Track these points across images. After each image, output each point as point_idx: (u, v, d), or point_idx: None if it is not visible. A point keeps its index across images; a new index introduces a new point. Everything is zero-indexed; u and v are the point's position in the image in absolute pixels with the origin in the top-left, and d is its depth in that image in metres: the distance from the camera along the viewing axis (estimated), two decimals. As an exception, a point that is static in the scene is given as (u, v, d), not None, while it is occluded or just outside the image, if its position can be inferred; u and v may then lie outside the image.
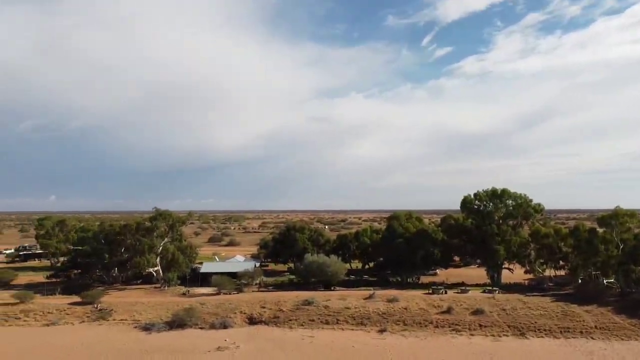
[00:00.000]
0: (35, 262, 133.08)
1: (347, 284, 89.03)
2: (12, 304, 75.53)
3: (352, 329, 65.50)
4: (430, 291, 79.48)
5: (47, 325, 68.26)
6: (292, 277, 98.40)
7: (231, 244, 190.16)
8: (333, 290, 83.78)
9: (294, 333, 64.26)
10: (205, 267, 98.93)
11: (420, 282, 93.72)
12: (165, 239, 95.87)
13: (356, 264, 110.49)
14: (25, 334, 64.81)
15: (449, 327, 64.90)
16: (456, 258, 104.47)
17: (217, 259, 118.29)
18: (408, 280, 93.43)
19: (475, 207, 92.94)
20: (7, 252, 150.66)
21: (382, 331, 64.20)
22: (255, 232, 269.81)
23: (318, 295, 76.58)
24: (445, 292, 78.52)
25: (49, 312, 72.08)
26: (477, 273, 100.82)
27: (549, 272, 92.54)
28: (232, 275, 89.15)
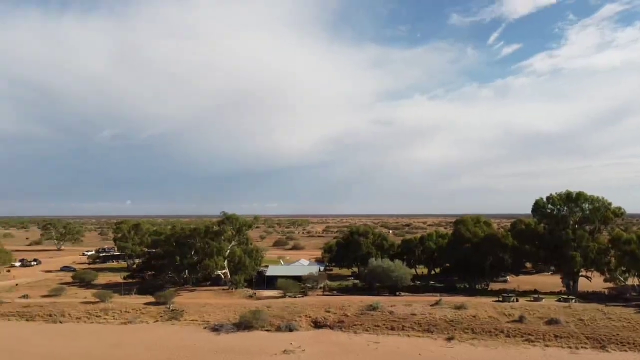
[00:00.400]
0: (113, 264, 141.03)
1: (413, 290, 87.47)
2: (94, 303, 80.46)
3: (418, 336, 64.11)
4: (500, 299, 76.44)
5: (125, 323, 72.02)
6: (356, 281, 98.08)
7: (295, 247, 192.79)
8: (398, 295, 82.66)
9: (359, 338, 63.88)
10: (271, 271, 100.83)
11: (489, 289, 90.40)
12: (233, 243, 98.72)
13: (421, 270, 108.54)
14: (106, 330, 68.69)
15: (521, 337, 61.97)
16: (528, 264, 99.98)
17: (282, 263, 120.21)
18: (476, 287, 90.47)
19: (548, 211, 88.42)
20: (89, 253, 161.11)
21: (449, 339, 62.35)
22: (319, 236, 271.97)
23: (383, 301, 75.80)
24: (517, 300, 75.27)
25: (126, 311, 76.08)
26: (550, 280, 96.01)
27: (632, 281, 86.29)
28: (297, 278, 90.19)
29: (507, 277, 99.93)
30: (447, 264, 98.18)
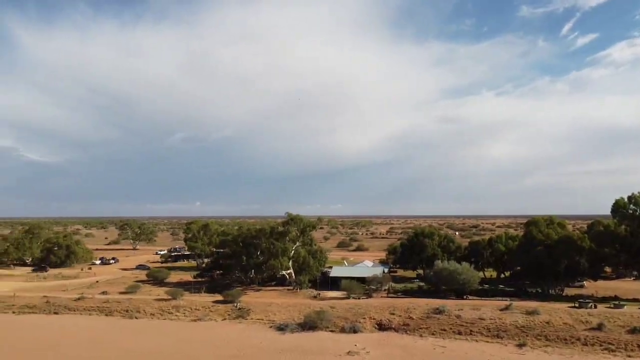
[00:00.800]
0: (184, 263, 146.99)
1: (481, 294, 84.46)
2: (166, 300, 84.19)
3: (487, 341, 61.77)
4: (577, 305, 72.21)
5: (195, 320, 74.75)
6: (421, 284, 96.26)
7: (359, 249, 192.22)
8: (465, 299, 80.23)
9: (424, 342, 62.58)
10: (335, 272, 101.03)
11: (563, 294, 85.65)
12: (297, 243, 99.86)
13: (490, 273, 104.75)
14: (177, 327, 71.65)
15: (600, 345, 58.12)
16: (607, 269, 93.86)
17: (346, 264, 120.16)
18: (550, 291, 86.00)
19: (630, 211, 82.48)
20: (161, 253, 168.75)
21: (520, 345, 59.60)
22: (383, 237, 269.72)
23: (449, 304, 73.82)
24: (595, 307, 70.76)
25: (196, 309, 78.92)
26: (634, 287, 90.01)
27: None
28: (361, 280, 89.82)
29: (584, 282, 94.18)
30: (518, 268, 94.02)
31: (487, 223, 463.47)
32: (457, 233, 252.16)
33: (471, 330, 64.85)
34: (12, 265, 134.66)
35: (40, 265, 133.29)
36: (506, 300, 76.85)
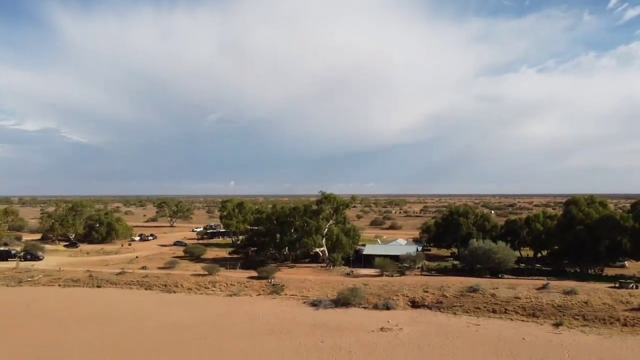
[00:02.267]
0: (219, 240, 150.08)
1: (516, 273, 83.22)
2: (202, 275, 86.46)
3: (523, 320, 61.05)
4: (617, 285, 70.41)
5: (230, 295, 76.56)
6: (456, 262, 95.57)
7: (392, 227, 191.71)
8: (500, 278, 79.28)
9: (458, 320, 62.34)
10: (368, 249, 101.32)
11: (603, 274, 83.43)
12: (330, 221, 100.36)
13: (526, 252, 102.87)
14: (214, 301, 73.60)
15: (641, 326, 56.64)
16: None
17: (380, 242, 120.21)
18: (589, 271, 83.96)
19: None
20: (198, 230, 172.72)
21: (557, 325, 58.64)
22: (416, 216, 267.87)
23: (484, 283, 73.18)
24: (636, 287, 68.83)
25: (231, 285, 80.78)
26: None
27: None
28: (394, 258, 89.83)
29: (625, 263, 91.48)
30: (556, 247, 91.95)
31: (523, 202, 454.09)
32: (492, 212, 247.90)
33: (506, 309, 64.18)
34: (57, 241, 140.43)
35: (72, 241, 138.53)
36: (543, 279, 75.58)
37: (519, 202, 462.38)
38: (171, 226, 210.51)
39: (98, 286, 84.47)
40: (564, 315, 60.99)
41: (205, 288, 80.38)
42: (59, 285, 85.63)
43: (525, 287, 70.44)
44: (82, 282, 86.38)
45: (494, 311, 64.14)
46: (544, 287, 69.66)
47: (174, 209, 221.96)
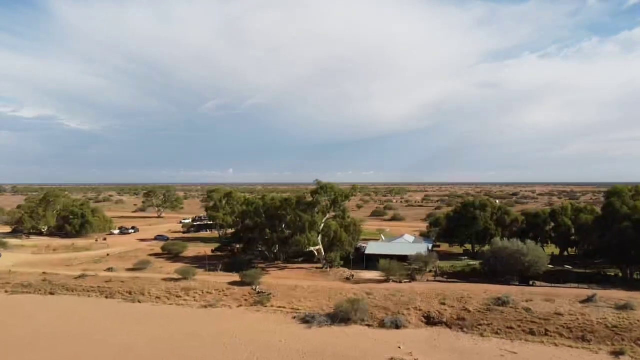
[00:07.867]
0: (206, 233, 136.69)
1: (548, 278, 69.93)
2: (176, 280, 73.21)
3: (570, 346, 47.81)
4: (678, 296, 57.22)
5: (205, 306, 63.17)
6: (471, 262, 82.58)
7: (395, 218, 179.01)
8: (531, 285, 66.06)
9: (487, 344, 49.11)
10: (371, 248, 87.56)
11: (653, 279, 70.34)
12: (327, 215, 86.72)
13: (551, 249, 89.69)
14: (183, 315, 60.32)
15: None
16: None
17: (383, 238, 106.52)
18: (634, 276, 70.79)
19: None
20: (184, 221, 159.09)
21: (617, 354, 45.49)
22: (419, 205, 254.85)
23: (513, 292, 59.95)
24: None
25: (207, 292, 67.47)
26: None
27: None
28: (401, 258, 76.70)
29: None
30: (591, 246, 78.79)
31: (526, 190, 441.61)
32: (497, 201, 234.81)
33: (546, 330, 50.92)
34: (26, 235, 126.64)
35: (23, 232, 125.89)
36: (584, 287, 62.40)
37: (520, 190, 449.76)
38: (159, 217, 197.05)
39: (51, 293, 71.35)
40: (622, 339, 47.76)
41: (177, 297, 67.06)
42: (6, 292, 72.49)
43: (565, 299, 57.14)
44: (34, 288, 73.25)
45: (532, 332, 50.89)
46: (589, 298, 56.31)
47: (161, 198, 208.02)
